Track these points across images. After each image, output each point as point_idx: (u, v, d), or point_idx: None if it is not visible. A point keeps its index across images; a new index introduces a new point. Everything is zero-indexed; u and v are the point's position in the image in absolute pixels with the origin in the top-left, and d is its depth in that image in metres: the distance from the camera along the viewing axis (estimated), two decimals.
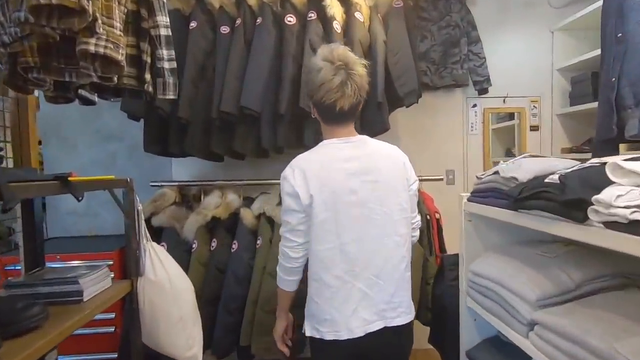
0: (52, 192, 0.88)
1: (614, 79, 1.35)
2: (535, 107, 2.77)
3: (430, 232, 2.12)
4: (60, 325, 0.97)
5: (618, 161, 0.69)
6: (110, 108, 2.36)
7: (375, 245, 1.16)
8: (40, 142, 2.75)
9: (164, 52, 1.16)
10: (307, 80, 1.21)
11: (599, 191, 0.70)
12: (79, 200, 0.96)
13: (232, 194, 2.10)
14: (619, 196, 0.66)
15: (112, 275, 1.96)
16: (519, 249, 1.18)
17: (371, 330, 1.16)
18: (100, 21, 0.80)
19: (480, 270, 1.20)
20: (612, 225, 0.68)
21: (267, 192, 2.15)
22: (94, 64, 0.90)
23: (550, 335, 0.86)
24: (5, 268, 1.94)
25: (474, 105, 2.73)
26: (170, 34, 1.19)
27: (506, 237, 1.29)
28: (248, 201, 2.11)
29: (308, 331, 1.21)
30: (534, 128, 2.78)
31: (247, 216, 2.01)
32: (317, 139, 2.00)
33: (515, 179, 0.97)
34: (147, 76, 1.14)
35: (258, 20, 1.98)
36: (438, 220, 2.19)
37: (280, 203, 2.10)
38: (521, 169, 0.99)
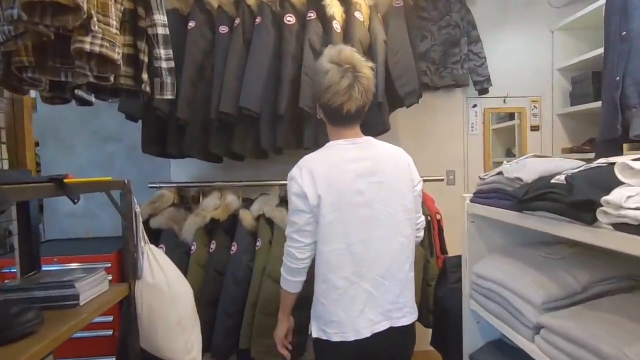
0: (47, 195, 0.86)
1: (618, 77, 1.33)
2: (536, 107, 2.77)
3: (431, 233, 2.11)
4: (56, 330, 0.94)
5: (627, 161, 0.67)
6: (108, 109, 2.34)
7: (381, 245, 1.17)
8: (37, 144, 2.73)
9: (162, 52, 1.14)
10: (313, 81, 1.21)
11: (607, 192, 0.69)
12: (74, 203, 0.94)
13: (231, 195, 2.08)
14: (629, 197, 0.64)
15: (111, 277, 1.97)
16: (522, 251, 1.16)
17: (377, 331, 1.17)
18: (95, 19, 0.78)
19: (483, 272, 1.18)
20: (622, 227, 0.66)
21: (266, 193, 2.13)
22: (89, 63, 0.88)
23: (557, 339, 0.85)
24: (2, 271, 1.92)
25: (474, 106, 2.72)
26: (168, 32, 1.17)
27: (509, 238, 1.28)
28: (247, 202, 2.10)
29: (314, 333, 1.21)
30: (535, 128, 2.78)
31: (247, 217, 1.99)
32: (317, 139, 2.02)
33: (520, 179, 0.95)
34: (145, 76, 1.12)
35: (257, 20, 1.97)
36: (439, 221, 2.18)
37: (279, 204, 2.11)
38: (525, 169, 0.97)
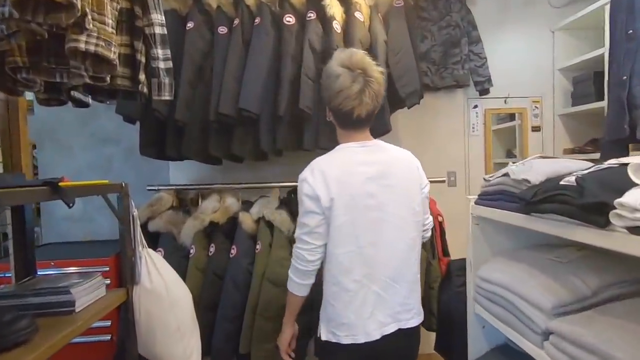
0: (41, 199, 0.83)
1: (625, 77, 1.31)
2: (537, 108, 2.75)
3: (433, 235, 2.08)
4: (50, 338, 0.92)
5: None
6: (106, 110, 2.32)
7: (390, 248, 1.18)
8: (34, 146, 2.71)
9: (159, 52, 1.12)
10: (324, 85, 1.22)
11: (620, 194, 0.66)
12: (69, 207, 0.91)
13: (231, 198, 2.05)
14: None
15: (109, 281, 1.94)
16: (528, 254, 1.14)
17: (387, 333, 1.18)
18: (90, 17, 0.76)
19: (488, 276, 1.16)
20: (638, 230, 0.64)
21: (266, 195, 2.10)
22: (84, 63, 0.85)
23: (567, 345, 0.82)
24: None
25: (475, 106, 2.71)
26: (166, 32, 1.14)
27: (515, 241, 1.25)
28: (247, 205, 2.07)
29: (323, 335, 1.20)
30: (536, 129, 2.76)
31: (246, 220, 1.97)
32: (318, 140, 2.00)
33: (527, 181, 0.93)
34: (142, 76, 1.09)
35: (256, 21, 1.95)
36: (441, 223, 2.16)
37: (279, 206, 2.08)
38: (532, 170, 0.95)
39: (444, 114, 2.65)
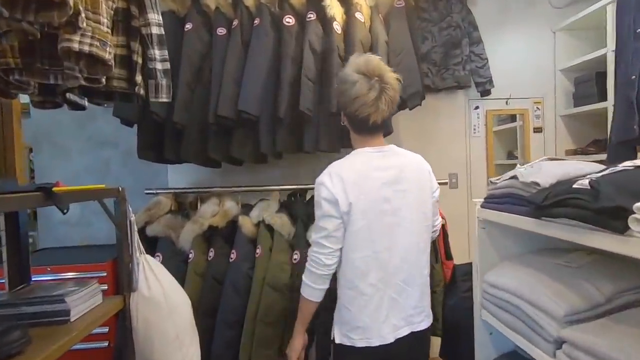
0: (34, 205, 0.80)
1: (634, 76, 1.29)
2: (538, 109, 2.73)
3: (435, 238, 2.05)
4: (44, 349, 0.88)
5: None
6: (104, 113, 2.30)
7: (404, 252, 1.21)
8: (31, 150, 2.68)
9: (156, 52, 1.09)
10: (340, 90, 1.23)
11: (638, 198, 0.64)
12: (64, 213, 0.88)
13: (230, 201, 2.02)
14: None
15: (106, 287, 1.91)
16: (536, 258, 1.11)
17: (400, 336, 1.20)
18: (83, 15, 0.73)
19: (496, 281, 1.13)
20: None
21: (266, 198, 2.08)
22: (78, 64, 0.82)
23: (581, 354, 0.79)
24: None
25: (477, 107, 2.69)
26: (163, 32, 1.12)
27: (523, 245, 1.23)
28: (246, 208, 2.04)
29: (338, 338, 1.21)
30: (537, 130, 2.74)
31: (246, 224, 1.94)
32: (318, 142, 1.97)
33: (537, 184, 0.90)
34: (138, 78, 1.06)
35: (255, 22, 1.92)
36: (443, 226, 2.12)
37: (280, 210, 2.06)
38: (542, 172, 0.92)
39: (445, 115, 2.63)
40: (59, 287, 1.11)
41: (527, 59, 2.66)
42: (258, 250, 1.89)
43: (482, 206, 1.21)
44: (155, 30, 1.06)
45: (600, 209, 0.68)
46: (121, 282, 1.24)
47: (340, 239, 1.18)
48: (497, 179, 1.14)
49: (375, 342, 1.17)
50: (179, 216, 2.00)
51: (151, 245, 1.90)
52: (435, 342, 1.78)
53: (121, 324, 1.25)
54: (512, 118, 2.79)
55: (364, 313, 1.18)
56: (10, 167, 1.25)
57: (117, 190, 1.20)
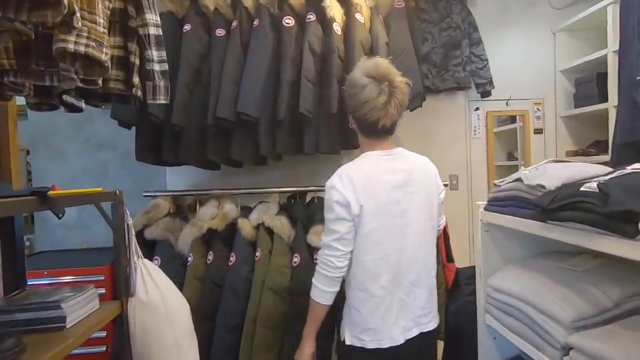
0: (28, 210, 0.78)
1: (638, 77, 1.28)
2: (539, 110, 2.72)
3: (437, 240, 2.03)
4: (39, 357, 0.87)
5: None
6: (102, 114, 2.28)
7: (412, 254, 1.22)
8: (28, 152, 2.65)
9: (154, 53, 1.07)
10: (349, 94, 1.23)
11: None
12: (59, 218, 0.86)
13: (229, 204, 2.01)
14: None
15: (104, 291, 1.89)
16: (541, 262, 1.09)
17: (410, 337, 1.22)
18: (79, 15, 0.71)
19: (500, 285, 1.11)
20: None
21: (265, 200, 2.06)
22: (74, 65, 0.80)
23: None
24: None
25: (477, 109, 2.67)
26: (161, 33, 1.10)
27: (527, 248, 1.21)
28: (246, 211, 2.03)
29: (348, 339, 1.22)
30: (538, 131, 2.73)
31: (245, 227, 1.92)
32: (318, 144, 1.96)
33: (542, 186, 0.88)
34: (136, 79, 1.04)
35: (255, 23, 1.91)
36: (445, 228, 2.10)
37: (279, 212, 2.04)
38: (547, 175, 0.90)
39: (445, 117, 2.62)
40: (55, 292, 1.09)
41: (528, 60, 2.66)
42: (257, 253, 1.88)
43: (485, 209, 1.19)
44: (152, 30, 1.04)
45: (610, 212, 0.66)
46: (119, 287, 1.22)
47: (352, 241, 1.19)
48: (500, 182, 1.12)
49: (386, 344, 1.18)
50: (178, 219, 1.99)
51: (149, 248, 1.88)
52: (438, 347, 1.76)
53: (119, 330, 1.24)
54: (513, 119, 2.78)
55: (375, 315, 1.19)
56: (5, 170, 1.23)
57: (115, 194, 1.18)
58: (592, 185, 0.73)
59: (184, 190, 2.20)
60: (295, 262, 1.85)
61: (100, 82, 0.93)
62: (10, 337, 0.83)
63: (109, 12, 0.87)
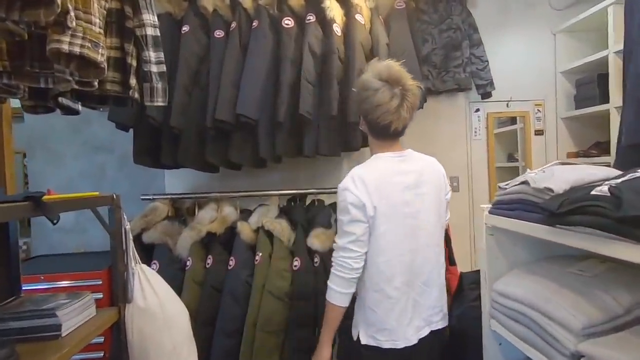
0: (21, 215, 0.76)
1: None
2: (540, 111, 2.71)
3: None
4: None
5: None
6: (99, 117, 2.26)
7: (424, 254, 1.24)
8: (25, 155, 2.62)
9: (152, 54, 1.05)
10: (360, 97, 1.23)
11: None
12: (53, 223, 0.83)
13: (228, 207, 1.98)
14: None
15: (101, 295, 1.86)
16: (548, 267, 1.07)
17: (422, 336, 1.24)
18: (73, 14, 0.68)
19: (505, 290, 1.09)
20: None
21: (265, 203, 2.03)
22: (69, 66, 0.78)
23: None
24: None
25: (477, 110, 2.66)
26: (159, 34, 1.07)
27: (533, 253, 1.19)
28: (245, 214, 2.00)
29: (364, 339, 1.23)
30: (539, 132, 2.72)
31: (245, 230, 1.90)
32: (318, 146, 1.93)
33: (550, 190, 0.86)
34: (133, 81, 1.02)
35: (254, 24, 1.89)
36: (447, 231, 2.08)
37: (279, 215, 2.01)
38: (554, 178, 0.88)
39: (445, 118, 2.61)
40: (50, 299, 1.06)
41: (528, 61, 2.65)
42: (257, 257, 1.85)
43: (490, 212, 1.17)
44: (150, 31, 1.02)
45: (623, 217, 0.64)
46: (116, 293, 1.19)
47: (367, 242, 1.20)
48: (505, 184, 1.10)
49: (401, 344, 1.20)
50: (176, 222, 1.96)
51: (147, 252, 1.86)
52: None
53: (116, 337, 1.21)
54: (513, 120, 2.77)
55: (390, 316, 1.20)
56: (0, 173, 1.21)
57: (111, 198, 1.15)
58: (604, 189, 0.71)
59: (182, 193, 2.18)
60: (295, 266, 1.83)
61: (96, 83, 0.90)
62: (3, 346, 0.80)
63: (105, 12, 0.85)
